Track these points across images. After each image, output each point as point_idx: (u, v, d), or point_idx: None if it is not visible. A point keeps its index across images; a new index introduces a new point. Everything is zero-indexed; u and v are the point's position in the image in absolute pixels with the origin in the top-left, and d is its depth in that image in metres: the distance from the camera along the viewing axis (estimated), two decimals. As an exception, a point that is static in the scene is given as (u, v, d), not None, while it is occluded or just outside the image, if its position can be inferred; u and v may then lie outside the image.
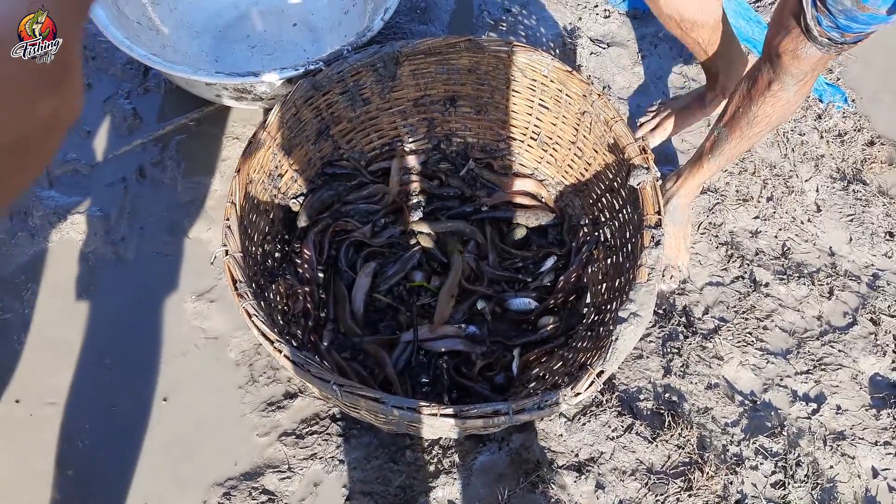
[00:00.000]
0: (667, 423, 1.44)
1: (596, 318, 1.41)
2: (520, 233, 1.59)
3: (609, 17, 2.13)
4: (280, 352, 1.14)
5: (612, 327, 1.19)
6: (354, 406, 1.14)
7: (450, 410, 1.08)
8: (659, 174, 1.36)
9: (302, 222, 1.53)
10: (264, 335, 1.16)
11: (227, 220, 1.27)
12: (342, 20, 1.92)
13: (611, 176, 1.48)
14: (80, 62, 0.34)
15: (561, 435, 1.42)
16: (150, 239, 1.66)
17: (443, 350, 1.43)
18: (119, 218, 1.68)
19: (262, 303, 1.34)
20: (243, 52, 1.91)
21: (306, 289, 1.47)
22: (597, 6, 2.14)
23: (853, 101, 1.97)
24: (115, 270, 1.61)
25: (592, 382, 1.11)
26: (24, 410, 1.44)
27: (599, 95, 1.45)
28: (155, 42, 1.76)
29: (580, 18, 2.11)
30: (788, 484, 1.40)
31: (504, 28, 2.08)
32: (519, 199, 1.63)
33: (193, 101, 1.81)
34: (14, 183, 0.33)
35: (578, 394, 1.10)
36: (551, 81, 1.52)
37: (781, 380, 1.53)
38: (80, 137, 1.80)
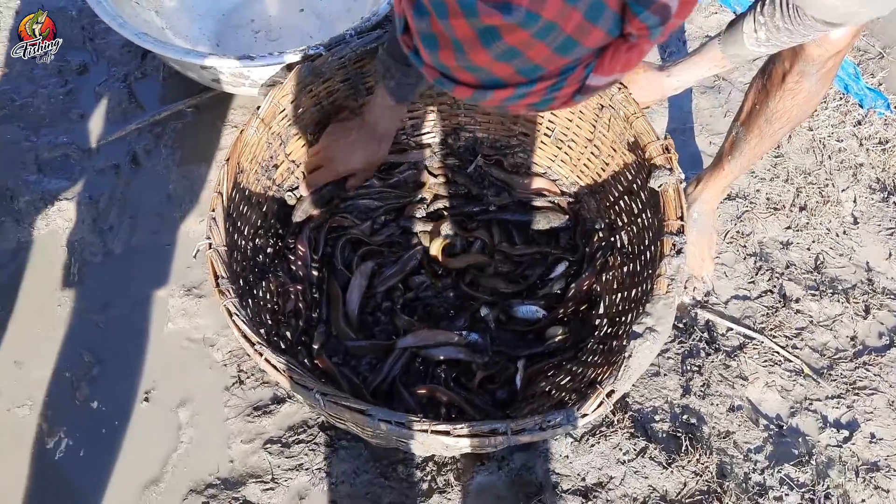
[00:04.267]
0: (684, 448, 1.33)
1: (609, 331, 1.29)
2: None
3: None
4: (261, 354, 1.04)
5: (625, 342, 1.07)
6: (339, 417, 1.04)
7: (442, 427, 0.97)
8: (683, 176, 1.24)
9: (297, 217, 1.44)
10: (245, 336, 1.06)
11: (213, 211, 1.17)
12: (352, 7, 1.83)
13: (630, 177, 1.36)
14: None
15: (567, 456, 1.31)
16: (140, 229, 1.57)
17: (441, 358, 1.32)
18: (108, 206, 1.60)
19: (249, 300, 1.25)
20: (247, 37, 1.82)
21: (298, 287, 1.38)
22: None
23: (896, 106, 1.83)
24: (102, 261, 1.53)
25: (601, 403, 1.00)
26: (2, 405, 1.36)
27: (620, 88, 1.33)
28: (154, 23, 1.67)
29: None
30: (816, 519, 1.28)
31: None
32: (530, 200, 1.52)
33: (192, 87, 1.72)
34: None
35: (585, 415, 0.99)
36: (568, 72, 1.41)
37: (811, 403, 1.41)
38: (71, 121, 1.71)
